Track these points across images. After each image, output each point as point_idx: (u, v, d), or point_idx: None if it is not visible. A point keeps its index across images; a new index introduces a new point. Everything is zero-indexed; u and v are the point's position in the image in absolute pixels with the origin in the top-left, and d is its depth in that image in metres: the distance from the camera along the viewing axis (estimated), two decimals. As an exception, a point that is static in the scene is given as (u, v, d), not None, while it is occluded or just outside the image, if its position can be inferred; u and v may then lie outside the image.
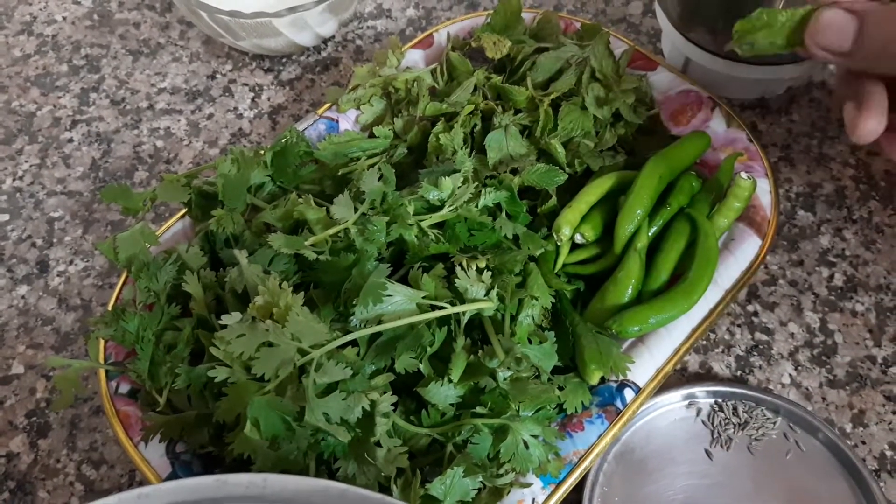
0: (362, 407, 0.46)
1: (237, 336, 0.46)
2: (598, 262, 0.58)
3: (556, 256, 0.58)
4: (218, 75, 0.83)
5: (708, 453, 0.57)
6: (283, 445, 0.45)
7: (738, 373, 0.62)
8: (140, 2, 0.91)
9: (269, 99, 0.81)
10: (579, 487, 0.54)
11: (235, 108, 0.80)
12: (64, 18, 0.89)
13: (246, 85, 0.82)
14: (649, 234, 0.58)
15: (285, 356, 0.45)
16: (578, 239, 0.58)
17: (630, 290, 0.55)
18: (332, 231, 0.52)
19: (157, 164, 0.76)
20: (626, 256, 0.56)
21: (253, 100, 0.81)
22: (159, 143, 0.78)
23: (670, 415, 0.59)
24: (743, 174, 0.59)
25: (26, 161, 0.77)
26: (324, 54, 0.84)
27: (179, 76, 0.83)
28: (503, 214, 0.57)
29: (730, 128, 0.65)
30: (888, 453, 0.58)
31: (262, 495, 0.37)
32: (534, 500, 0.49)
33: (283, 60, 0.84)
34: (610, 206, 0.59)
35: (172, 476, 0.50)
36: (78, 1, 0.91)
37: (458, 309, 0.50)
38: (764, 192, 0.61)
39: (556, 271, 0.57)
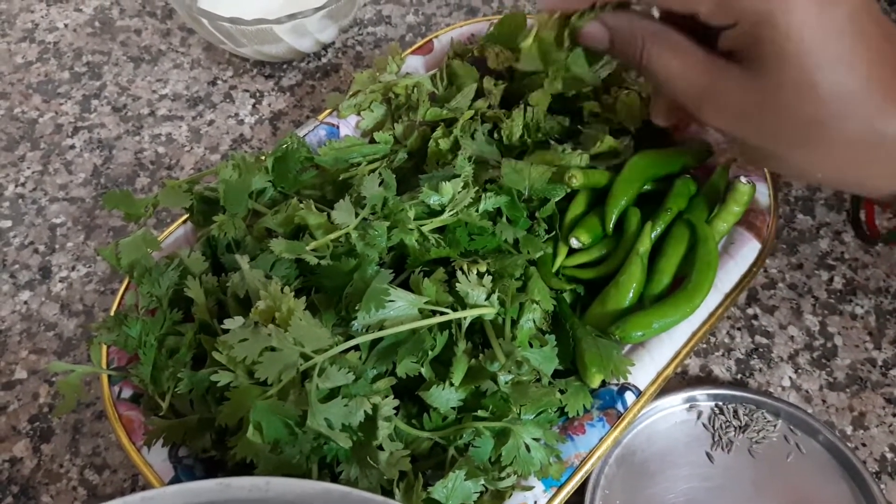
0: (364, 411, 0.46)
1: (240, 340, 0.46)
2: (598, 267, 0.59)
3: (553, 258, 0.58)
4: (219, 81, 0.83)
5: (709, 456, 0.58)
6: (286, 449, 0.45)
7: (739, 376, 0.62)
8: (141, 9, 0.91)
9: (269, 105, 0.81)
10: (581, 490, 0.55)
11: (236, 114, 0.81)
12: (66, 26, 0.90)
13: (247, 91, 0.82)
14: (651, 237, 0.58)
15: (288, 361, 0.45)
16: (575, 244, 0.58)
17: (631, 295, 0.55)
18: (333, 236, 0.52)
19: (158, 170, 0.77)
20: (628, 261, 0.56)
21: (254, 106, 0.81)
22: (161, 150, 0.78)
23: (671, 418, 0.59)
24: (742, 178, 0.60)
25: (28, 168, 0.77)
26: (324, 60, 0.85)
27: (181, 83, 0.84)
28: (503, 219, 0.58)
29: (729, 132, 0.66)
30: (889, 455, 0.59)
31: (265, 499, 0.37)
32: (535, 503, 0.49)
33: (284, 67, 0.84)
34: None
35: (175, 480, 0.50)
36: (79, 8, 0.91)
37: (460, 315, 0.50)
38: (763, 196, 0.61)
39: (554, 270, 0.57)
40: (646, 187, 0.61)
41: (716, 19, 0.46)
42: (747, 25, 0.44)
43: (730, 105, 0.47)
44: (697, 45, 0.48)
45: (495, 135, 0.64)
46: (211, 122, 0.80)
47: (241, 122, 0.80)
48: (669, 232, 0.59)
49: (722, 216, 0.60)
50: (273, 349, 0.46)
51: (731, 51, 0.46)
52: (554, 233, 0.59)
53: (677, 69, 0.48)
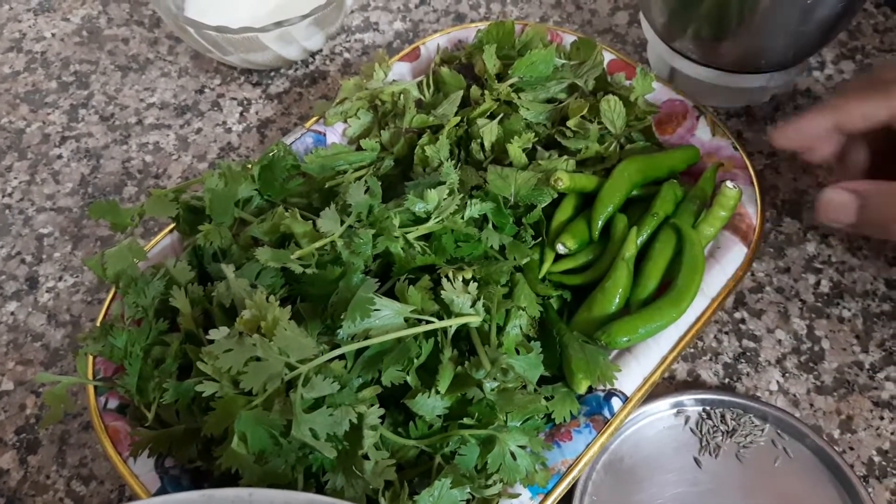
0: (350, 420, 0.46)
1: (225, 351, 0.46)
2: (584, 273, 0.59)
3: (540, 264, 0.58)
4: (206, 90, 0.83)
5: (696, 461, 0.58)
6: (271, 459, 0.45)
7: (726, 380, 0.63)
8: (129, 18, 0.91)
9: (257, 113, 0.81)
10: (568, 497, 0.55)
11: (224, 123, 0.81)
12: (53, 35, 0.89)
13: (234, 99, 0.82)
14: (637, 242, 0.58)
15: (273, 371, 0.45)
16: (561, 249, 0.58)
17: (618, 300, 0.55)
18: (318, 244, 0.53)
19: (146, 179, 0.77)
20: (614, 266, 0.56)
21: (241, 114, 0.81)
22: (148, 158, 0.78)
23: (658, 423, 0.59)
24: (728, 183, 0.60)
25: (15, 178, 0.77)
26: (311, 68, 0.85)
27: (168, 91, 0.84)
28: (489, 225, 0.58)
29: (715, 136, 0.66)
30: (876, 459, 0.59)
31: (248, 510, 0.37)
32: (522, 510, 0.49)
33: (271, 74, 0.84)
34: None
35: (161, 491, 0.50)
36: (67, 18, 0.91)
37: (445, 324, 0.50)
38: (749, 200, 0.62)
39: (540, 276, 0.57)
40: (633, 192, 0.61)
41: None
42: None
43: None
44: None
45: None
46: (198, 131, 0.80)
47: (229, 130, 0.80)
48: (656, 236, 0.59)
49: (709, 220, 0.60)
50: (258, 359, 0.45)
51: None
52: (540, 239, 0.59)
53: None
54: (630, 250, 0.57)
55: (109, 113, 0.82)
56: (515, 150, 0.61)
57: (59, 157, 0.79)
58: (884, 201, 0.50)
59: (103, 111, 0.82)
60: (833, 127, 0.52)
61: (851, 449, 0.59)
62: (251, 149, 0.78)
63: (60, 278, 0.70)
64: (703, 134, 0.67)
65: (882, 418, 0.60)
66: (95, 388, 0.54)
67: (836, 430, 0.60)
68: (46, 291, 0.70)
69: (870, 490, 0.57)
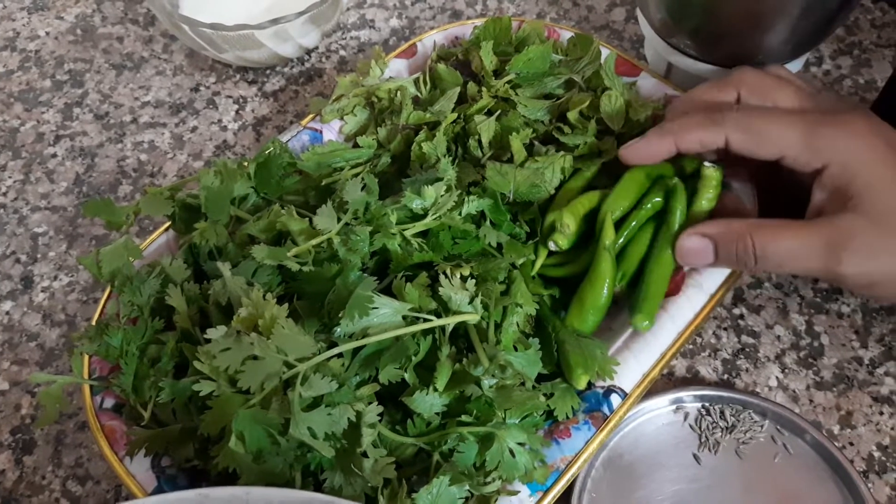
0: (348, 418, 0.45)
1: (222, 350, 0.45)
2: (568, 265, 0.58)
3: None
4: (202, 88, 0.83)
5: (696, 457, 0.57)
6: (269, 458, 0.45)
7: (725, 376, 0.62)
8: (123, 16, 0.91)
9: (253, 111, 0.81)
10: (567, 494, 0.54)
11: (219, 121, 0.80)
12: (47, 34, 0.89)
13: (230, 97, 0.82)
14: (625, 234, 0.57)
15: (271, 369, 0.45)
16: (552, 246, 0.57)
17: (606, 290, 0.55)
18: (314, 241, 0.52)
19: (141, 177, 0.76)
20: (596, 256, 0.56)
21: (237, 112, 0.81)
22: (143, 157, 0.78)
23: (657, 420, 0.59)
24: (706, 164, 0.58)
25: (10, 177, 0.77)
26: (307, 65, 0.84)
27: (163, 89, 0.83)
28: (487, 222, 0.57)
29: (713, 132, 0.66)
30: (876, 454, 0.58)
31: (246, 509, 0.37)
32: (521, 507, 0.49)
33: (267, 72, 0.84)
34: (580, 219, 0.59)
35: (158, 490, 0.50)
36: (61, 16, 0.91)
37: (443, 321, 0.50)
38: (747, 196, 0.61)
39: (533, 274, 0.57)
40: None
41: (801, 161, 0.51)
42: (837, 167, 0.49)
43: (861, 245, 0.49)
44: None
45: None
46: (194, 129, 0.80)
47: (225, 129, 0.79)
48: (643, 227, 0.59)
49: (697, 203, 0.59)
50: (255, 358, 0.45)
51: (821, 210, 0.51)
52: (536, 238, 0.59)
53: (794, 243, 0.50)
54: (609, 237, 0.56)
55: (104, 111, 0.81)
56: (517, 144, 0.61)
57: (54, 155, 0.78)
58: (729, 243, 0.52)
59: (98, 110, 0.82)
60: (675, 150, 0.55)
61: (851, 444, 0.59)
62: (247, 147, 0.78)
63: (55, 278, 0.70)
64: (700, 129, 0.66)
65: (882, 413, 0.60)
66: (91, 387, 0.53)
67: (835, 426, 0.60)
68: (41, 291, 0.69)
69: (870, 485, 0.57)
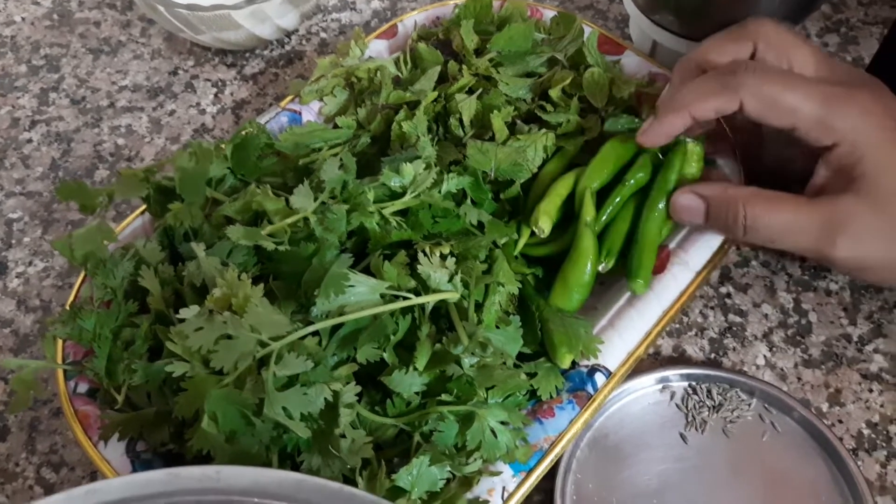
0: (325, 398, 0.44)
1: (195, 330, 0.44)
2: (550, 244, 0.57)
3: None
4: (180, 71, 0.82)
5: (682, 437, 0.57)
6: (243, 440, 0.44)
7: (712, 355, 0.61)
8: (100, 1, 0.89)
9: (232, 94, 0.79)
10: (552, 475, 0.53)
11: (198, 104, 0.79)
12: (23, 19, 0.88)
13: (209, 80, 0.81)
14: (608, 211, 0.57)
15: (244, 349, 0.44)
16: (537, 231, 0.56)
17: (589, 267, 0.54)
18: (290, 220, 0.51)
19: (118, 162, 0.75)
20: (578, 234, 0.55)
21: (216, 95, 0.79)
22: (120, 141, 0.76)
23: (643, 399, 0.58)
24: (688, 140, 0.57)
25: (-16, 163, 0.75)
26: (287, 48, 0.83)
27: (141, 73, 0.82)
28: (468, 201, 0.56)
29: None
30: (865, 431, 0.58)
31: (216, 488, 0.36)
32: (504, 488, 0.48)
33: (247, 55, 0.82)
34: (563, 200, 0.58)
35: (133, 476, 0.49)
36: (37, 1, 0.89)
37: (422, 300, 0.49)
38: (732, 172, 0.60)
39: (515, 253, 0.56)
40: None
41: (813, 136, 0.49)
42: (847, 146, 0.48)
43: (858, 230, 0.48)
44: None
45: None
46: (172, 113, 0.78)
47: (203, 112, 0.78)
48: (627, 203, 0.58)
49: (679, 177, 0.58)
50: (229, 337, 0.44)
51: (823, 188, 0.51)
52: (519, 217, 0.58)
53: (789, 219, 0.50)
54: (589, 214, 0.55)
55: (81, 96, 0.80)
56: (499, 121, 0.60)
57: (29, 141, 0.77)
58: (721, 208, 0.52)
59: (74, 94, 0.80)
60: (691, 122, 0.53)
61: (840, 422, 0.58)
62: (226, 130, 0.77)
63: (30, 263, 0.68)
64: (685, 107, 0.65)
65: (871, 391, 0.59)
66: (65, 372, 0.52)
67: (824, 404, 0.59)
68: (16, 277, 0.68)
69: (859, 463, 0.56)
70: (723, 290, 0.65)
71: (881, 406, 0.59)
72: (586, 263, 0.54)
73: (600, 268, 0.55)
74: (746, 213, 0.50)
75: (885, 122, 0.49)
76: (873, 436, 0.57)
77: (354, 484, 0.45)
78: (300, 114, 0.67)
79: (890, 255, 0.50)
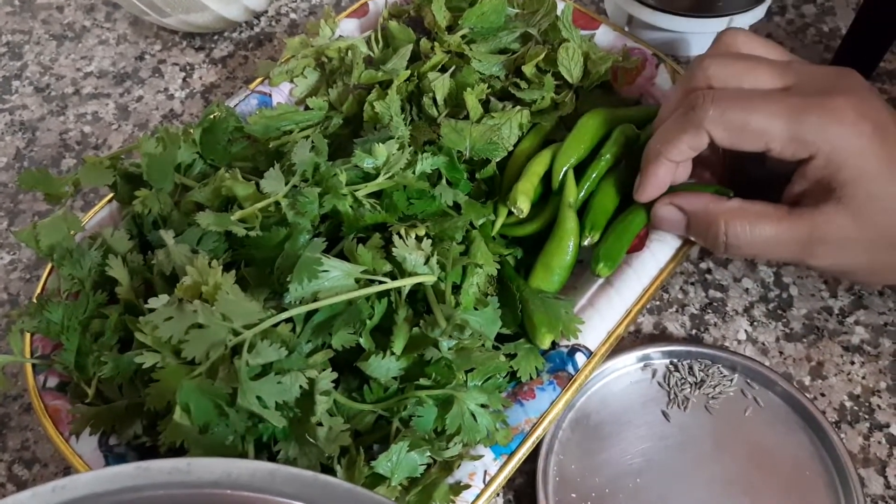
0: (300, 386, 0.43)
1: (165, 319, 0.43)
2: (531, 223, 0.56)
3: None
4: (147, 56, 0.80)
5: (665, 415, 0.56)
6: (218, 431, 0.43)
7: (694, 332, 0.61)
8: (63, -15, 0.87)
9: (200, 78, 0.78)
10: (534, 457, 0.53)
11: (166, 89, 0.77)
12: (-17, 5, 0.85)
13: (176, 65, 0.79)
14: (586, 187, 0.56)
15: (216, 338, 0.43)
16: (515, 211, 0.56)
17: (571, 248, 0.53)
18: (261, 205, 0.50)
19: (84, 150, 0.73)
20: (560, 215, 0.54)
21: (184, 79, 0.78)
22: (87, 129, 0.75)
23: (625, 378, 0.58)
24: None
25: (-53, 154, 0.73)
26: (257, 30, 0.81)
27: (106, 59, 0.80)
28: (443, 181, 0.55)
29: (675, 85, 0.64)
30: (848, 404, 0.57)
31: (187, 481, 0.35)
32: (486, 472, 0.47)
33: (215, 38, 0.81)
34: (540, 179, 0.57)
35: (106, 471, 0.48)
36: (-3, -13, 0.87)
37: (398, 283, 0.48)
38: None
39: (493, 234, 0.55)
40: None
41: (788, 153, 0.48)
42: (823, 158, 0.47)
43: (839, 240, 0.48)
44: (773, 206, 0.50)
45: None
46: (139, 99, 0.76)
47: (172, 97, 0.76)
48: (604, 178, 0.57)
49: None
50: (200, 326, 0.43)
51: (801, 195, 0.50)
52: (496, 197, 0.57)
53: (770, 234, 0.49)
54: (572, 195, 0.54)
55: (45, 84, 0.78)
56: (472, 99, 0.59)
57: (-7, 131, 0.75)
58: (701, 225, 0.52)
59: (38, 82, 0.78)
60: (673, 166, 0.53)
61: (823, 395, 0.58)
62: (195, 115, 0.75)
63: (-3, 256, 0.67)
64: (663, 82, 0.64)
65: (853, 363, 0.59)
66: (34, 366, 0.51)
67: (806, 377, 0.59)
68: (-18, 270, 0.66)
69: (842, 436, 0.56)
70: (703, 265, 0.64)
71: (863, 378, 0.58)
72: (569, 245, 0.53)
73: (586, 242, 0.54)
74: (727, 231, 0.50)
75: (859, 128, 0.47)
76: (855, 408, 0.57)
77: (333, 472, 0.44)
78: (270, 96, 0.65)
79: (872, 261, 0.50)
